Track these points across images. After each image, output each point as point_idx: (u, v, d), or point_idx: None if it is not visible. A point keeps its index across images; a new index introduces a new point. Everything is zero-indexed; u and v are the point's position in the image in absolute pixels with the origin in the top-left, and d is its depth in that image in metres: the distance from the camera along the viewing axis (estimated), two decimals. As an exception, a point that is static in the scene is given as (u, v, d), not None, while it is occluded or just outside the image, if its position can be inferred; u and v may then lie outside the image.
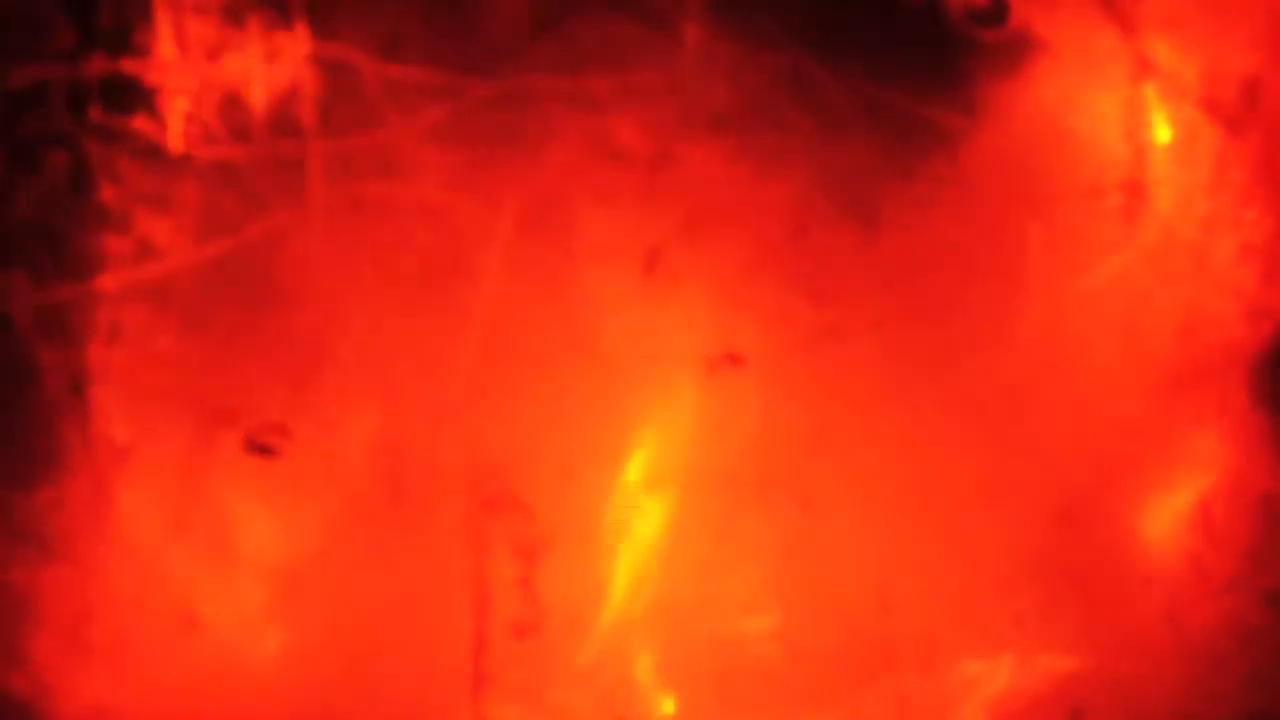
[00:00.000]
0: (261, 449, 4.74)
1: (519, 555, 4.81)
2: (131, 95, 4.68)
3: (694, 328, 4.87)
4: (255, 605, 4.76)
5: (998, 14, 4.90)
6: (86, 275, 4.68)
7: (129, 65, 4.67)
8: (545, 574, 4.82)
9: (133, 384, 4.71)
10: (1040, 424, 4.94)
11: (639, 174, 4.82)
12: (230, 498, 4.75)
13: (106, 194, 4.67)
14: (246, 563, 4.76)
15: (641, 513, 4.90)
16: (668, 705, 4.91)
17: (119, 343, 4.70)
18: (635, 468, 4.89)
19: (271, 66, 4.72)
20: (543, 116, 4.78)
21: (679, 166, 4.83)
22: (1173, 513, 5.03)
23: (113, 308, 4.69)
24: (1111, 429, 4.98)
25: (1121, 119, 4.98)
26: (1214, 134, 5.00)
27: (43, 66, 4.65)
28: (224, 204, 4.73)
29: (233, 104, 4.72)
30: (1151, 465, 5.01)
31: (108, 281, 4.69)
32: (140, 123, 4.68)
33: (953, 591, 4.92)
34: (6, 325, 4.66)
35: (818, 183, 4.86)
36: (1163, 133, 5.00)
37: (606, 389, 4.84)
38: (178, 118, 4.69)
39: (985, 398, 4.93)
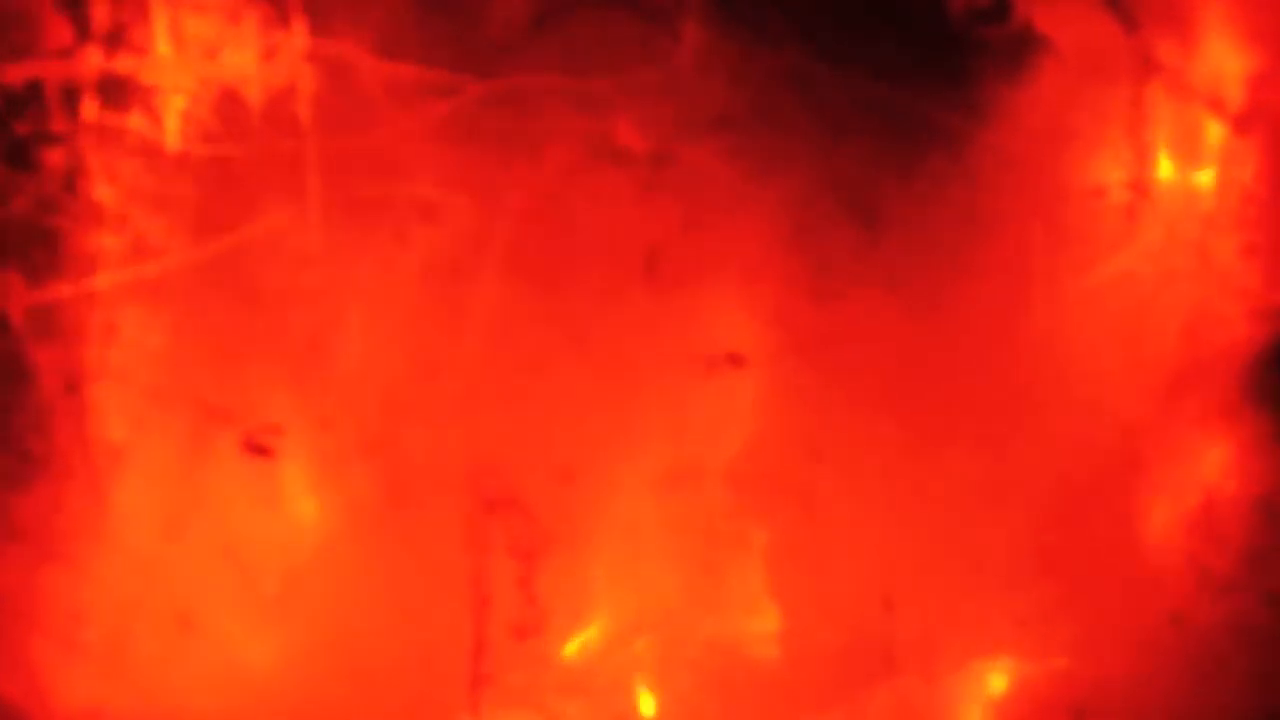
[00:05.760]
0: (259, 449, 4.72)
1: (518, 556, 4.79)
2: (128, 93, 4.65)
3: (694, 328, 4.86)
4: (253, 607, 4.75)
5: (1000, 12, 4.88)
6: (82, 274, 4.65)
7: (125, 63, 4.65)
8: (545, 575, 4.80)
9: (129, 384, 4.68)
10: (1042, 424, 4.93)
11: (639, 174, 4.80)
12: (227, 499, 4.73)
13: (102, 193, 4.65)
14: (244, 564, 4.74)
15: (641, 513, 4.89)
16: (667, 707, 4.90)
17: (115, 342, 4.68)
18: (634, 468, 4.88)
19: (269, 64, 4.69)
20: (542, 116, 4.77)
21: (679, 166, 4.81)
22: (1175, 513, 5.02)
23: (109, 307, 4.67)
24: (1114, 429, 4.97)
25: (1124, 117, 4.97)
26: (1218, 132, 4.99)
27: (38, 64, 4.62)
28: (221, 203, 4.70)
29: (230, 102, 4.69)
30: (1154, 465, 5.00)
31: (104, 281, 4.66)
32: (136, 121, 4.66)
33: (954, 593, 4.91)
34: (2, 324, 4.64)
35: (818, 182, 4.85)
36: (1166, 131, 4.99)
37: (606, 389, 4.83)
38: (174, 116, 4.67)
39: (987, 397, 4.92)
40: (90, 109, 4.63)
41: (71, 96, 4.63)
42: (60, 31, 4.62)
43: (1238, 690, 5.02)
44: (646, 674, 4.89)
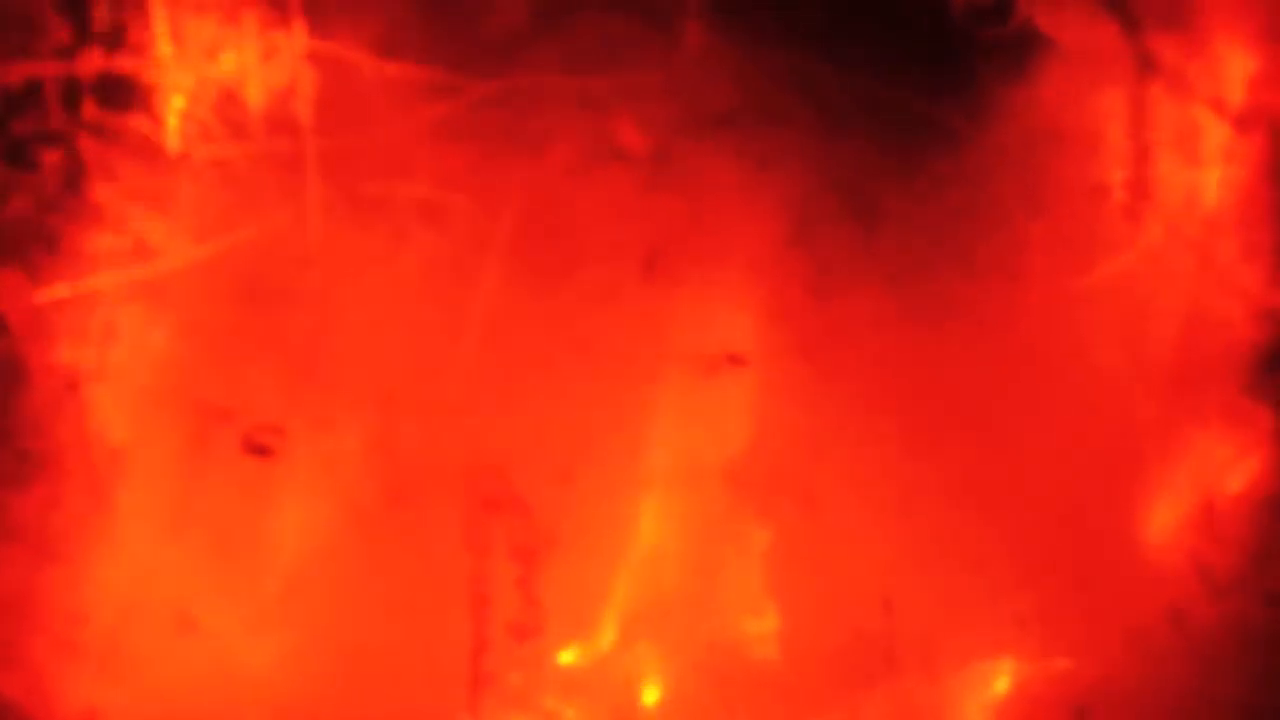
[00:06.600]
0: (258, 449, 4.71)
1: (518, 556, 4.79)
2: (127, 93, 4.65)
3: (694, 328, 4.86)
4: (252, 607, 4.74)
5: (1001, 12, 4.88)
6: (82, 275, 4.65)
7: (125, 63, 4.64)
8: (545, 575, 4.79)
9: (129, 384, 4.68)
10: (1043, 424, 4.93)
11: (639, 173, 4.80)
12: (227, 499, 4.73)
13: (102, 193, 4.65)
14: (243, 564, 4.74)
15: (641, 513, 4.89)
16: (667, 707, 4.89)
17: (115, 342, 4.67)
18: (635, 468, 4.87)
19: (269, 64, 4.69)
20: (542, 115, 4.76)
21: (679, 165, 4.81)
22: (1175, 514, 5.02)
23: (109, 307, 4.66)
24: (1114, 429, 4.97)
25: (1125, 117, 4.97)
26: (1219, 132, 4.99)
27: (38, 64, 4.61)
28: (221, 203, 4.70)
29: (230, 102, 4.69)
30: (1154, 466, 5.00)
31: (104, 281, 4.66)
32: (136, 121, 4.65)
33: (955, 593, 4.90)
34: (2, 325, 4.63)
35: (819, 182, 4.85)
36: (1166, 131, 4.98)
37: (606, 389, 4.83)
38: (174, 116, 4.67)
39: (987, 397, 4.92)
40: (90, 109, 4.63)
41: (71, 96, 4.62)
42: (60, 31, 4.62)
43: (1238, 689, 5.02)
44: (646, 674, 4.89)
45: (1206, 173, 4.98)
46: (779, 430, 4.90)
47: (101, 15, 4.64)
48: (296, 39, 4.69)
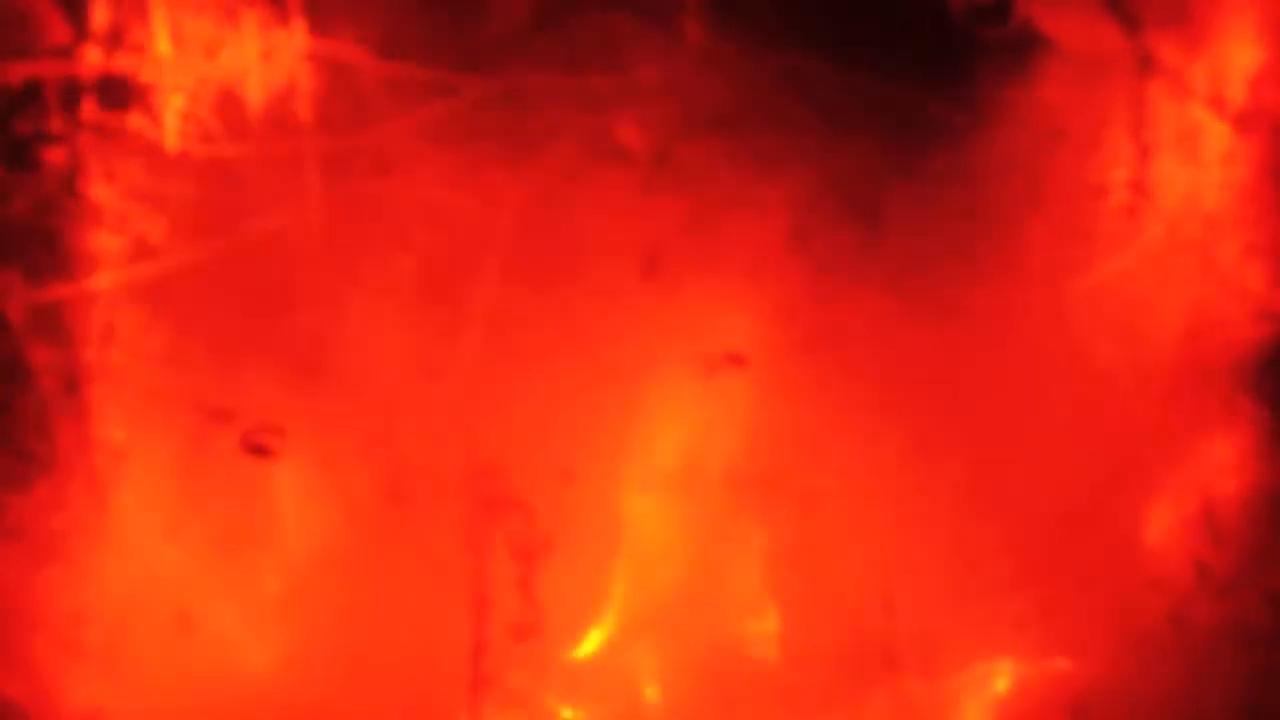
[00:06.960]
0: (258, 450, 4.71)
1: (518, 557, 4.78)
2: (127, 93, 4.65)
3: (694, 328, 4.85)
4: (252, 607, 4.74)
5: (1001, 12, 4.87)
6: (82, 274, 4.65)
7: (124, 62, 4.64)
8: (545, 576, 4.79)
9: (129, 384, 4.68)
10: (1043, 424, 4.92)
11: (639, 173, 4.79)
12: (227, 499, 4.73)
13: (102, 192, 4.65)
14: (243, 564, 4.74)
15: (641, 513, 4.88)
16: (668, 707, 4.89)
17: (115, 342, 4.67)
18: (634, 468, 4.87)
19: (268, 64, 4.69)
20: (542, 115, 4.76)
21: (679, 165, 4.80)
22: (1176, 514, 5.01)
23: (108, 307, 4.66)
24: (1114, 429, 4.96)
25: (1126, 116, 4.96)
26: (1219, 131, 4.98)
27: (37, 63, 4.61)
28: (220, 203, 4.70)
29: (229, 102, 4.69)
30: (1154, 466, 4.99)
31: (103, 281, 4.66)
32: (136, 120, 4.65)
33: (955, 593, 4.90)
34: (2, 324, 4.63)
35: (819, 182, 4.84)
36: (1167, 130, 4.98)
37: (606, 389, 4.82)
38: (174, 115, 4.67)
39: (987, 397, 4.91)
40: (90, 109, 4.63)
41: (71, 96, 4.62)
42: (60, 31, 4.62)
43: (1238, 690, 5.02)
44: (646, 674, 4.88)
45: (1206, 173, 4.97)
46: (779, 430, 4.90)
47: (101, 15, 4.64)
48: (296, 39, 4.69)
